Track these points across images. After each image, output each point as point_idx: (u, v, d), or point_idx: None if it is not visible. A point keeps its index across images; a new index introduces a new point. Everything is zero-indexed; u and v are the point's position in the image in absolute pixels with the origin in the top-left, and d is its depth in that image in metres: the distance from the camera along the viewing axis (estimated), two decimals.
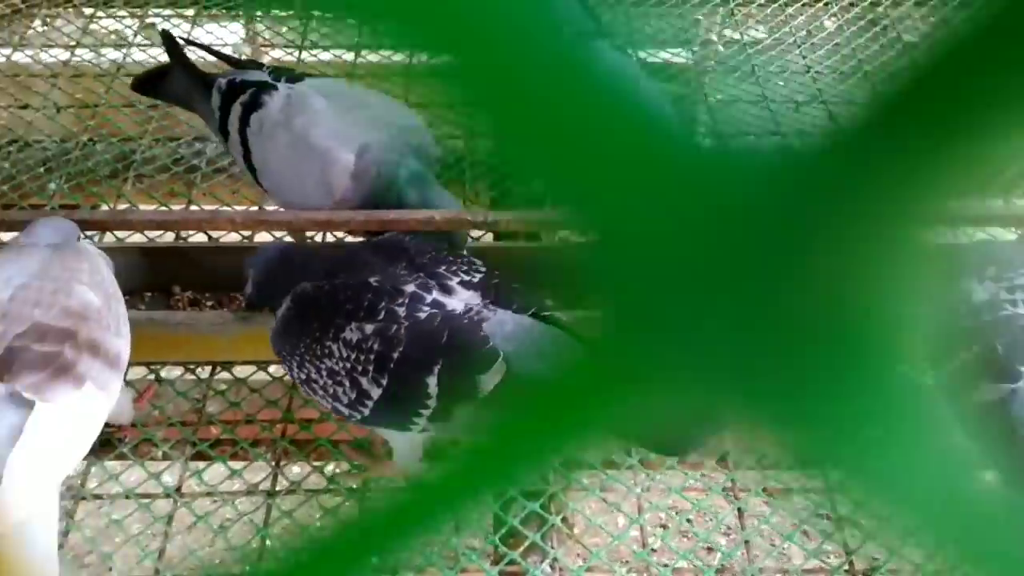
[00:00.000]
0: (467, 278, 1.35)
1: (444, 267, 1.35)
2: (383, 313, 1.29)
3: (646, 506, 1.47)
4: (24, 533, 1.17)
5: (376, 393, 1.29)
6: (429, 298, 1.30)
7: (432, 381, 1.26)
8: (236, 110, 1.74)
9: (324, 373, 1.33)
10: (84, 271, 1.40)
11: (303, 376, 1.37)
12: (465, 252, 1.47)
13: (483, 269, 1.39)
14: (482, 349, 1.25)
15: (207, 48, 2.00)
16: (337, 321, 1.32)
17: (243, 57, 2.07)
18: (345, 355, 1.31)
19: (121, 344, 1.37)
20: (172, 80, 1.93)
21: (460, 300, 1.31)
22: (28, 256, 1.40)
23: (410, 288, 1.31)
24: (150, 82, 2.00)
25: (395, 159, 1.66)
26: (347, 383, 1.31)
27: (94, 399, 1.27)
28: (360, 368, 1.29)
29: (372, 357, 1.28)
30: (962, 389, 1.25)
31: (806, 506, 1.48)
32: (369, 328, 1.29)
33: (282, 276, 1.45)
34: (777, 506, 1.48)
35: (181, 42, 1.91)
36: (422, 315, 1.28)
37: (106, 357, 1.32)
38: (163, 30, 2.00)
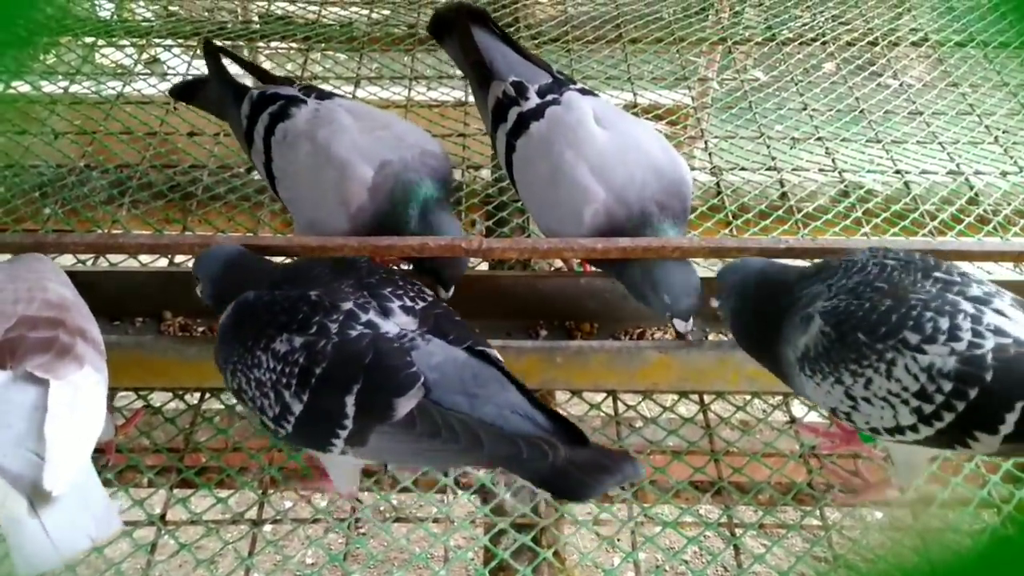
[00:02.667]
0: (410, 304, 1.34)
1: (390, 289, 1.35)
2: (315, 327, 1.28)
3: (640, 541, 1.44)
4: (81, 492, 1.19)
5: (298, 408, 1.28)
6: (364, 318, 1.29)
7: (350, 401, 1.24)
8: (264, 119, 1.75)
9: (253, 384, 1.32)
10: (48, 271, 1.44)
11: (235, 386, 1.36)
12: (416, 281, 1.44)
13: (429, 298, 1.38)
14: (402, 373, 1.23)
15: (245, 63, 2.00)
16: (269, 331, 1.31)
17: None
18: (272, 366, 1.29)
19: (99, 334, 1.39)
20: (208, 89, 1.97)
21: (396, 324, 1.30)
22: None
23: (348, 305, 1.30)
24: (188, 89, 2.06)
25: (414, 179, 1.66)
26: (272, 395, 1.29)
27: (96, 380, 1.30)
28: (284, 381, 1.28)
29: (296, 371, 1.27)
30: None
31: (803, 547, 1.46)
32: (298, 340, 1.28)
33: (232, 280, 1.45)
34: (774, 544, 1.45)
35: (224, 60, 1.94)
36: (353, 333, 1.27)
37: (94, 343, 1.35)
38: (207, 40, 2.01)
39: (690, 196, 1.69)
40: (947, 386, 1.22)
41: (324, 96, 1.79)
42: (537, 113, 1.72)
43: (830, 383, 1.31)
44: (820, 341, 1.31)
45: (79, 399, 1.25)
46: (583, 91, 1.78)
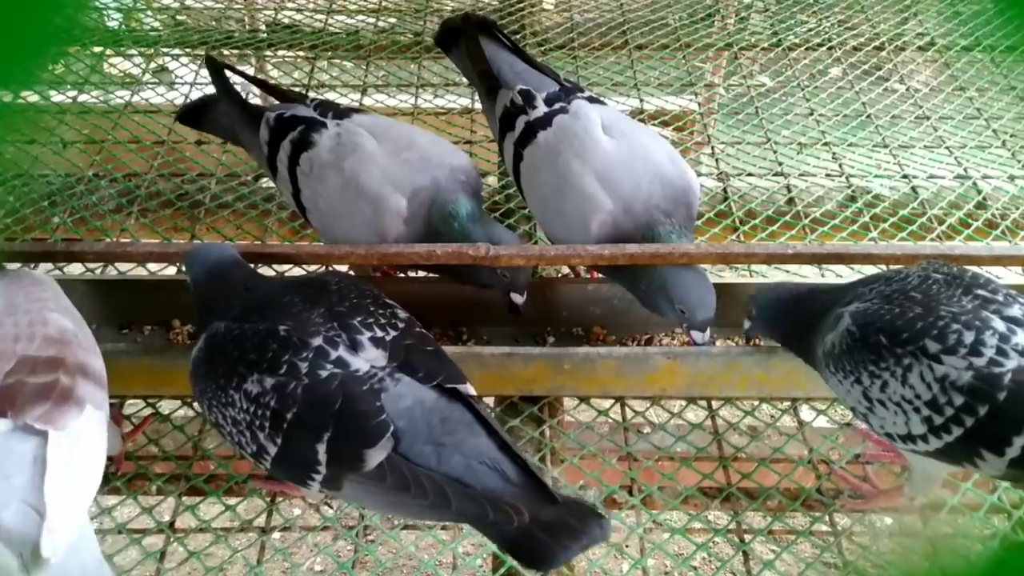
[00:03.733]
0: (380, 334, 1.32)
1: (360, 318, 1.33)
2: (285, 367, 1.27)
3: (649, 547, 1.44)
4: (76, 552, 1.17)
5: (273, 450, 1.28)
6: (334, 355, 1.27)
7: (321, 448, 1.23)
8: (286, 147, 1.73)
9: (229, 421, 1.32)
10: (49, 298, 1.40)
11: (213, 420, 1.36)
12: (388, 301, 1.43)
13: (402, 324, 1.36)
14: (371, 422, 1.22)
15: (252, 79, 1.99)
16: (240, 370, 1.30)
17: (285, 89, 2.05)
18: (245, 407, 1.29)
19: (100, 363, 1.37)
20: (217, 112, 1.93)
21: (365, 360, 1.28)
22: None
23: (317, 341, 1.28)
24: (195, 113, 2.01)
25: (450, 199, 1.65)
26: (248, 435, 1.30)
27: (96, 420, 1.28)
28: (258, 423, 1.28)
29: (269, 414, 1.26)
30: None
31: (813, 553, 1.45)
32: (269, 382, 1.27)
33: (211, 292, 1.44)
34: (783, 550, 1.44)
35: (228, 73, 1.89)
36: (323, 373, 1.26)
37: (94, 377, 1.32)
38: (209, 57, 1.97)
39: (697, 204, 1.69)
40: (958, 400, 1.22)
41: (341, 114, 1.76)
42: (544, 122, 1.72)
43: (850, 382, 1.32)
44: (844, 339, 1.32)
45: (78, 450, 1.22)
46: (591, 99, 1.78)
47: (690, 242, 1.66)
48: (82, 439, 1.24)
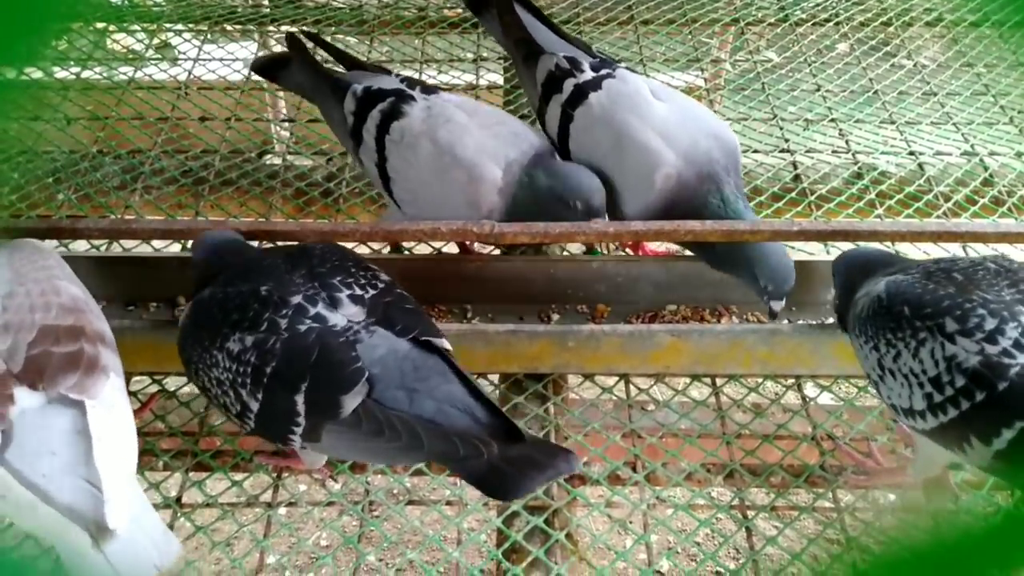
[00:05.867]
0: (359, 292, 1.34)
1: (340, 277, 1.35)
2: (265, 324, 1.29)
3: (652, 523, 1.44)
4: (138, 521, 1.17)
5: (255, 407, 1.30)
6: (312, 311, 1.30)
7: (300, 399, 1.25)
8: (374, 117, 1.73)
9: (214, 383, 1.34)
10: (55, 267, 1.40)
11: (199, 384, 1.38)
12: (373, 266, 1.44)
13: (382, 284, 1.38)
14: (346, 370, 1.24)
15: (329, 47, 1.97)
16: (224, 331, 1.32)
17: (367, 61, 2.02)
18: (227, 366, 1.31)
19: (110, 330, 1.37)
20: (293, 71, 1.93)
21: (343, 315, 1.31)
22: None
23: (296, 299, 1.31)
24: (271, 66, 2.00)
25: (540, 174, 1.66)
26: (232, 395, 1.31)
27: (120, 388, 1.29)
28: (240, 380, 1.30)
29: (250, 370, 1.28)
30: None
31: (816, 529, 1.46)
32: (249, 339, 1.29)
33: (205, 270, 1.46)
34: (786, 527, 1.45)
35: (305, 41, 1.90)
36: (302, 328, 1.28)
37: (110, 343, 1.33)
38: (288, 34, 1.96)
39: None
40: (959, 381, 1.21)
41: (428, 90, 1.76)
42: (594, 85, 1.74)
43: (869, 348, 1.33)
44: (873, 304, 1.33)
45: (114, 418, 1.23)
46: (630, 70, 1.81)
47: (744, 197, 1.67)
48: (115, 407, 1.25)
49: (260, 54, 2.64)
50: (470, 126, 1.68)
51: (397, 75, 1.83)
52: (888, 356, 1.30)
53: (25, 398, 1.20)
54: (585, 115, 1.73)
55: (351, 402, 1.23)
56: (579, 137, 1.74)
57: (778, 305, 1.62)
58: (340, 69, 1.92)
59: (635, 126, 1.67)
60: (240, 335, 1.30)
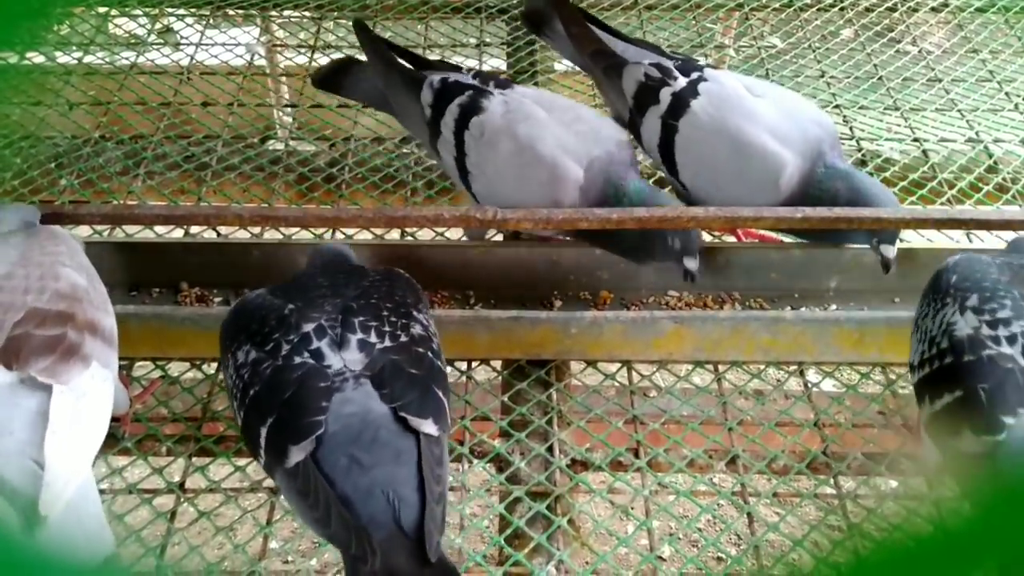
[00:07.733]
0: (373, 340, 1.29)
1: (364, 318, 1.31)
2: (271, 345, 1.28)
3: (654, 509, 1.45)
4: (76, 511, 1.16)
5: (239, 420, 1.29)
6: (315, 345, 1.27)
7: (263, 432, 1.23)
8: (453, 111, 1.71)
9: (228, 384, 1.35)
10: (63, 253, 1.39)
11: (222, 379, 1.38)
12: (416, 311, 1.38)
13: (406, 338, 1.31)
14: (304, 420, 1.19)
15: (395, 47, 1.93)
16: (240, 336, 1.32)
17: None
18: (231, 372, 1.32)
19: (112, 322, 1.37)
20: (357, 76, 1.91)
21: (342, 359, 1.27)
22: (3, 244, 1.39)
23: (309, 327, 1.29)
24: (332, 77, 1.96)
25: (622, 173, 1.65)
26: (234, 401, 1.32)
27: (103, 378, 1.28)
28: (234, 391, 1.31)
29: (242, 385, 1.28)
30: (948, 435, 1.25)
31: (817, 516, 1.46)
32: (253, 355, 1.29)
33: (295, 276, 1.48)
34: (787, 513, 1.45)
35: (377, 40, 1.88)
36: (296, 360, 1.26)
37: (103, 335, 1.32)
38: (356, 21, 1.93)
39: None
40: (943, 344, 1.27)
41: (502, 84, 1.75)
42: (691, 92, 1.72)
43: (919, 305, 1.40)
44: (938, 271, 1.40)
45: (82, 405, 1.22)
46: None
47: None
48: (87, 396, 1.23)
49: (262, 39, 2.64)
50: (549, 122, 1.67)
51: (469, 70, 1.81)
52: (920, 314, 1.38)
53: None
54: (691, 125, 1.71)
55: (296, 455, 1.18)
56: (689, 148, 1.72)
57: (890, 251, 1.63)
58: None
59: (749, 131, 1.66)
60: (249, 348, 1.30)
